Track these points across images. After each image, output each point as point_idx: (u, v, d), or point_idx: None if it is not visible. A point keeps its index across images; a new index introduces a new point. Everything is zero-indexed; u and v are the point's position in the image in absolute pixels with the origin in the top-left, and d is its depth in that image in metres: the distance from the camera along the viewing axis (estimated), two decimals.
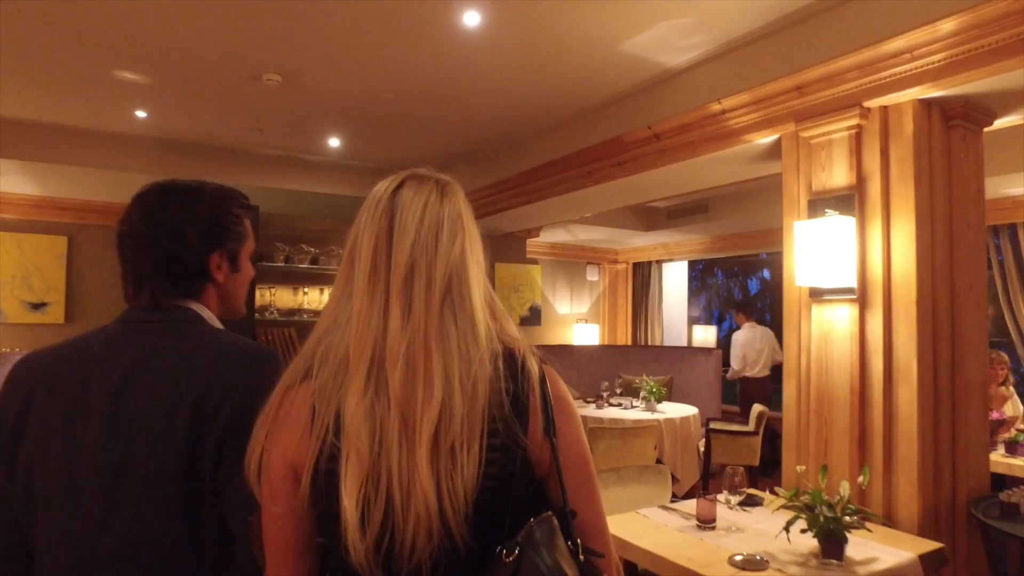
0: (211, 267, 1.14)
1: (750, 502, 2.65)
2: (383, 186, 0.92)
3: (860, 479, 2.19)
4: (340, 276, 0.90)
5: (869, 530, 2.16)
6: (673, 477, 5.41)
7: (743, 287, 13.58)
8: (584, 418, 5.38)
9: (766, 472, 5.77)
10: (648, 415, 5.44)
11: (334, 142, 5.32)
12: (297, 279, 5.92)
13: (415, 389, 0.82)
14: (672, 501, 3.25)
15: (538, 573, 0.78)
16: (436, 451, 0.80)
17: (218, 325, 1.16)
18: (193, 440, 0.98)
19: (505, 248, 7.30)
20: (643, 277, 9.76)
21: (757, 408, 5.65)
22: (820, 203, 2.85)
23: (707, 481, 5.52)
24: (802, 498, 2.11)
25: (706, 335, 9.26)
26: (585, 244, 9.52)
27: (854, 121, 2.73)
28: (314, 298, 6.01)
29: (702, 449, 5.56)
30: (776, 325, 11.25)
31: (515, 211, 5.55)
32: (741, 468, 2.45)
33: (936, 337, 2.63)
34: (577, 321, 9.57)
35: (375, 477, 0.80)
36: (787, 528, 2.06)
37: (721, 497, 2.59)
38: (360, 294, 0.86)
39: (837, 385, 2.77)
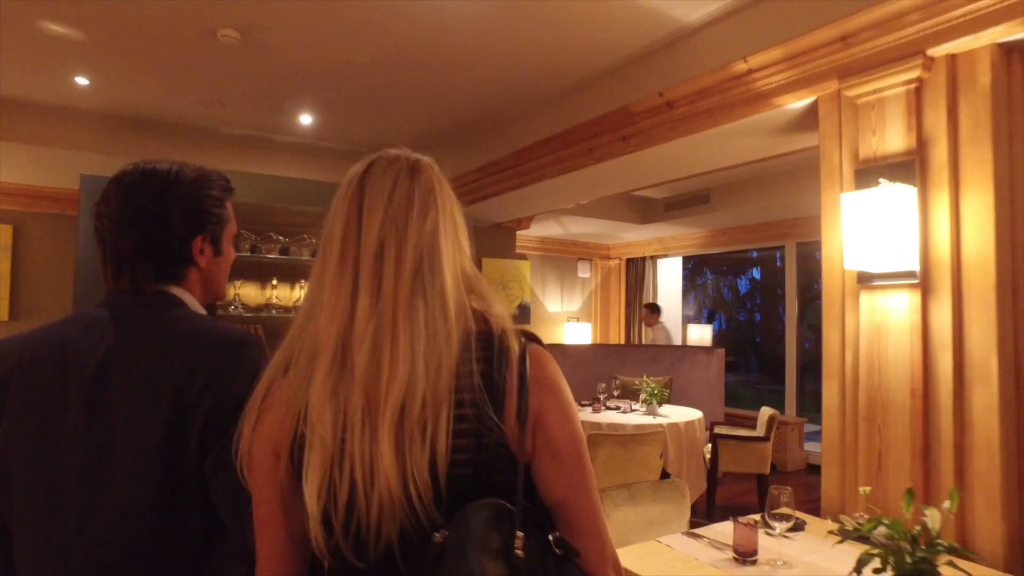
0: (194, 251, 1.13)
1: (782, 519, 2.19)
2: (354, 169, 0.91)
3: (946, 505, 1.75)
4: (315, 265, 0.88)
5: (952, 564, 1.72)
6: None
7: (732, 287, 13.31)
8: (581, 423, 4.94)
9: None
10: (650, 419, 5.00)
11: (306, 119, 4.83)
12: (265, 272, 5.41)
13: (380, 370, 0.80)
14: (692, 524, 2.81)
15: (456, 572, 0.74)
16: (399, 433, 0.79)
17: (200, 310, 1.15)
18: (175, 431, 0.97)
19: (493, 241, 6.83)
20: (637, 274, 9.33)
21: (767, 411, 5.22)
22: (871, 172, 2.41)
23: (714, 491, 5.08)
24: (877, 530, 1.66)
25: (701, 334, 8.84)
26: (577, 239, 9.08)
27: (914, 74, 2.30)
28: (284, 293, 5.50)
29: (708, 456, 5.13)
30: (765, 327, 10.95)
31: (506, 197, 5.09)
32: (789, 489, 2.01)
33: (1019, 329, 2.20)
34: (568, 320, 9.12)
35: (339, 461, 0.79)
36: (859, 570, 1.61)
37: (754, 519, 2.15)
38: (330, 279, 0.85)
39: (893, 386, 2.33)
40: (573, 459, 0.85)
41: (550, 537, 0.81)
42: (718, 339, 8.69)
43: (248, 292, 5.32)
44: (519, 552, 0.76)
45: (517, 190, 4.82)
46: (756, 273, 12.74)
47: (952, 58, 2.26)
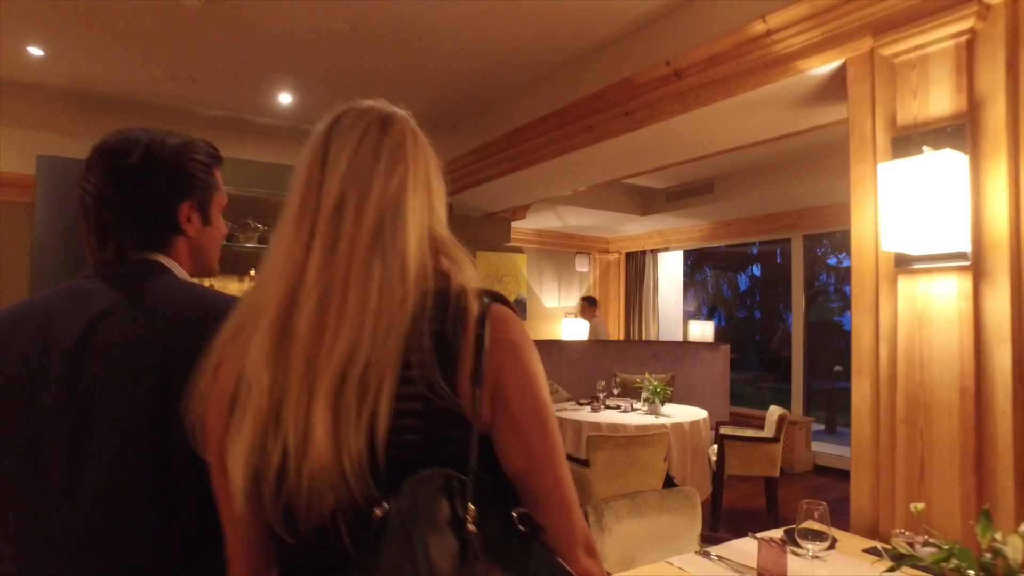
0: (180, 218, 1.10)
1: (813, 537, 1.88)
2: (323, 119, 0.86)
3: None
4: (277, 221, 0.83)
5: None
6: None
7: (732, 283, 13.09)
8: (578, 423, 4.64)
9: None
10: (652, 419, 4.71)
11: (285, 99, 4.52)
12: (244, 262, 5.11)
13: (323, 331, 0.75)
14: (703, 537, 2.52)
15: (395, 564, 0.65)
16: (338, 400, 0.73)
17: (188, 280, 1.11)
18: (160, 399, 0.93)
19: (486, 231, 6.52)
20: (637, 268, 9.03)
21: (776, 411, 4.93)
22: (912, 140, 2.11)
23: (719, 496, 4.78)
24: (929, 554, 1.36)
25: (703, 330, 8.54)
26: (575, 232, 8.77)
27: (966, 24, 1.99)
28: None
29: (714, 458, 4.83)
30: (765, 324, 10.68)
31: (500, 183, 4.78)
32: (824, 504, 1.71)
33: None
34: (566, 315, 8.82)
35: (273, 426, 0.74)
36: None
37: (775, 535, 1.86)
38: (288, 231, 0.80)
39: (938, 384, 2.03)
40: (535, 426, 0.79)
41: (513, 513, 0.75)
42: (718, 336, 8.38)
43: (225, 284, 5.02)
44: (471, 527, 0.69)
45: (511, 174, 4.51)
46: (756, 270, 12.52)
47: (1013, 4, 1.95)
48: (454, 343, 0.76)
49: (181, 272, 1.10)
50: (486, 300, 0.80)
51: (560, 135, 3.84)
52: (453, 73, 3.99)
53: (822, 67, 2.52)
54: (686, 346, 6.69)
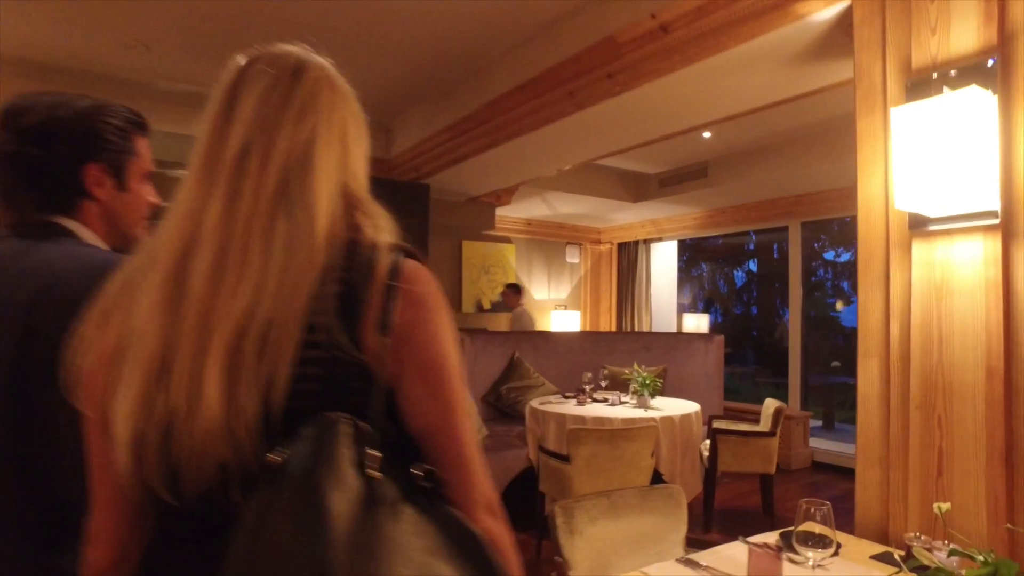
0: (86, 181, 1.07)
1: (814, 542, 1.59)
2: (233, 63, 0.83)
3: None
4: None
5: None
6: None
7: (729, 279, 12.87)
8: (562, 417, 4.36)
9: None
10: (641, 412, 4.42)
11: None
12: None
13: (220, 285, 0.72)
14: (690, 541, 2.24)
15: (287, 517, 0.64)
16: (233, 359, 0.70)
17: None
18: (23, 358, 0.91)
19: (469, 216, 6.22)
20: (629, 259, 8.75)
21: (772, 404, 4.65)
22: (931, 81, 1.82)
23: (711, 493, 4.50)
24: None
25: (698, 323, 8.25)
26: (565, 221, 8.48)
27: None
28: None
29: (706, 454, 4.55)
30: (762, 320, 10.43)
31: (479, 161, 4.49)
32: (828, 504, 1.43)
33: None
34: (556, 307, 8.53)
35: (162, 382, 0.71)
36: None
37: (769, 540, 1.58)
38: (190, 182, 0.77)
39: (960, 364, 1.75)
40: (440, 380, 0.78)
41: (415, 470, 0.74)
42: (714, 331, 8.10)
43: None
44: (374, 473, 0.68)
45: (490, 151, 4.22)
46: (753, 265, 12.29)
47: None
48: (360, 295, 0.74)
49: (92, 237, 1.08)
50: (399, 255, 0.78)
51: (539, 104, 3.55)
52: (425, 41, 3.69)
53: (825, 10, 2.24)
54: (678, 337, 6.41)
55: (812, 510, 1.43)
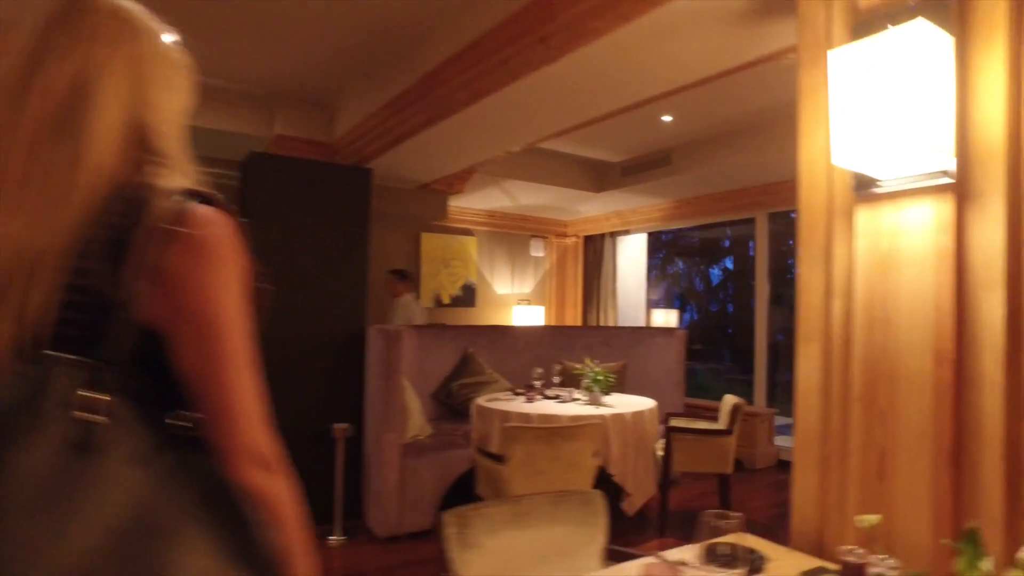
0: None
1: (723, 560, 1.32)
2: None
3: None
4: None
5: None
6: (623, 492, 4.14)
7: (704, 276, 12.71)
8: (506, 414, 4.08)
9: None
10: (591, 410, 4.16)
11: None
12: None
13: None
14: (613, 545, 1.98)
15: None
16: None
17: None
18: None
19: (421, 206, 5.92)
20: (596, 252, 8.50)
21: (730, 400, 4.41)
22: (878, 19, 1.56)
23: (666, 494, 4.25)
24: None
25: (667, 319, 8.03)
26: (529, 213, 8.22)
27: None
28: None
29: (661, 453, 4.30)
30: (737, 318, 10.24)
31: (420, 141, 4.20)
32: (739, 516, 1.17)
33: None
34: (519, 302, 8.26)
35: None
36: None
37: (685, 555, 1.32)
38: None
39: (906, 348, 1.50)
40: (210, 329, 0.76)
41: (172, 419, 0.74)
42: (689, 329, 7.87)
43: None
44: (94, 418, 0.66)
45: (430, 128, 3.93)
46: (729, 263, 12.14)
47: None
48: (128, 238, 0.72)
49: None
50: (187, 199, 0.76)
51: (474, 74, 3.27)
52: (362, 12, 3.39)
53: None
54: (640, 332, 6.17)
55: (715, 522, 1.16)
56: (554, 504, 1.93)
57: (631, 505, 4.12)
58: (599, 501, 2.02)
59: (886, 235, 1.56)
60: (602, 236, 8.35)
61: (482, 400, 4.56)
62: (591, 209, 7.79)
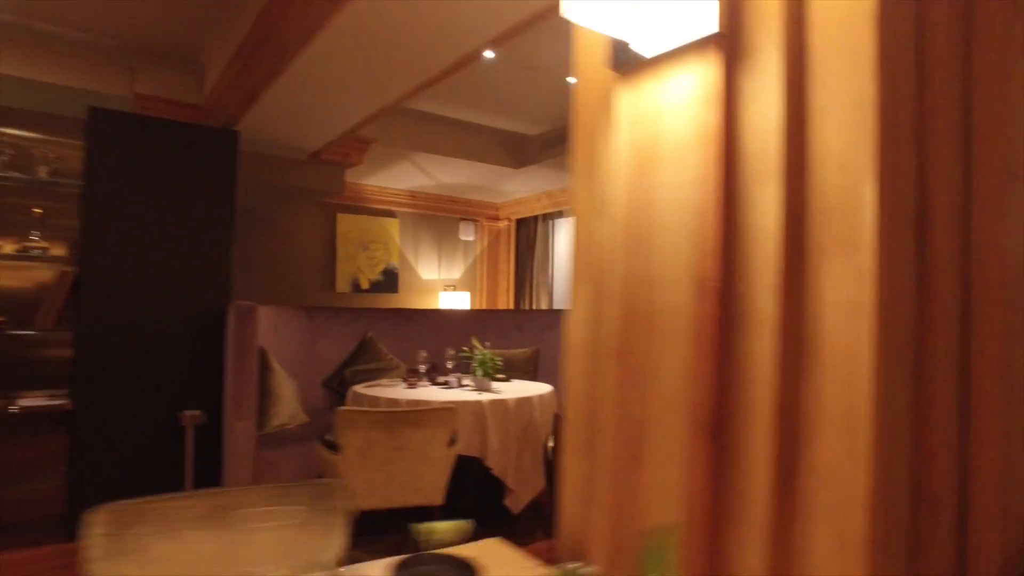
0: None
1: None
2: None
3: None
4: None
5: None
6: (506, 487, 3.70)
7: None
8: (375, 400, 3.64)
9: None
10: (475, 396, 3.71)
11: None
12: None
13: None
14: (359, 551, 1.53)
15: None
16: None
17: None
18: None
19: (315, 179, 5.40)
20: (528, 236, 8.05)
21: None
22: None
23: (553, 490, 3.80)
24: None
25: None
26: (455, 194, 7.74)
27: None
28: None
29: (551, 444, 3.85)
30: None
31: (275, 96, 3.71)
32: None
33: (925, 127, 0.93)
34: (445, 288, 7.79)
35: None
36: None
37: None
38: None
39: (670, 277, 1.05)
40: None
41: None
42: None
43: None
44: None
45: (277, 79, 3.44)
46: None
47: None
48: None
49: None
50: None
51: (300, 7, 2.79)
52: None
53: None
54: (553, 315, 5.73)
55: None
56: (275, 498, 1.46)
57: (515, 502, 3.67)
58: (338, 496, 1.55)
59: (650, 121, 1.11)
60: (535, 219, 7.91)
61: (360, 387, 4.09)
62: (519, 189, 7.34)
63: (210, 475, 3.82)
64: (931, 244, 0.92)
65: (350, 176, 5.93)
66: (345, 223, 7.10)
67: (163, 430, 3.74)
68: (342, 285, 7.05)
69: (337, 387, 5.06)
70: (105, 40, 4.20)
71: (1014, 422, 0.94)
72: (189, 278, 3.98)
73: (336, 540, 1.49)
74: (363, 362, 5.13)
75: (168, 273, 3.90)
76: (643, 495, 1.03)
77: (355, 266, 7.21)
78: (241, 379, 3.69)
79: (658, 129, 1.08)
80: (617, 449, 1.09)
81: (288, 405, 4.09)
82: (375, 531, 2.62)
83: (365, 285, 7.24)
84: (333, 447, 2.90)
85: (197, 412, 3.75)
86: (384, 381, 4.39)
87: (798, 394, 0.90)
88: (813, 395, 0.88)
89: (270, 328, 4.25)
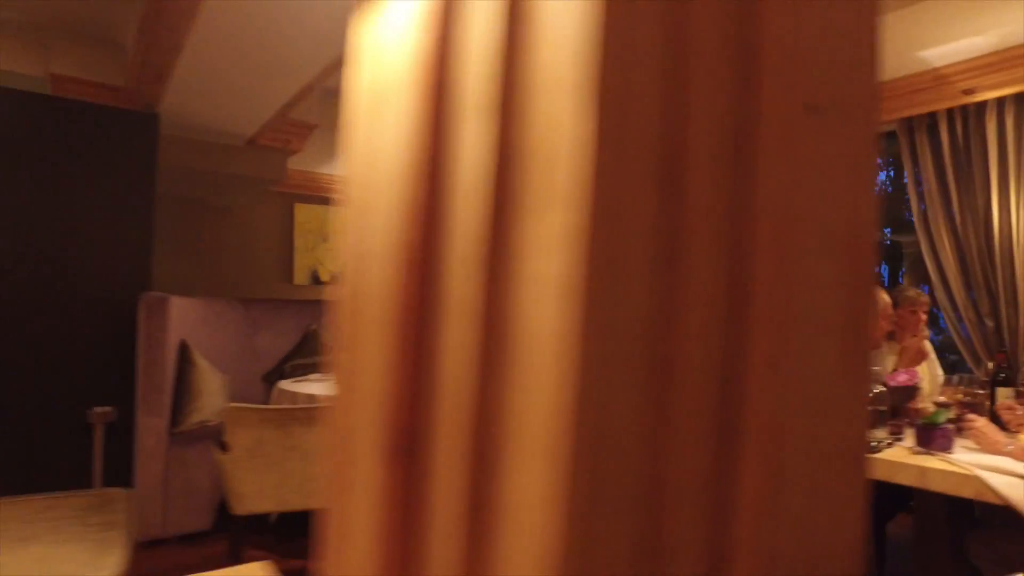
0: None
1: None
2: None
3: None
4: None
5: None
6: None
7: None
8: (294, 396, 3.44)
9: None
10: None
11: None
12: None
13: None
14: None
15: None
16: None
17: None
18: None
19: (256, 167, 5.14)
20: None
21: None
22: None
23: None
24: None
25: None
26: None
27: None
28: None
29: None
30: None
31: (184, 74, 3.47)
32: None
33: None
34: None
35: None
36: None
37: None
38: None
39: (377, 246, 0.82)
40: None
41: None
42: None
43: None
44: None
45: (179, 54, 3.20)
46: None
47: None
48: None
49: None
50: None
51: None
52: None
53: None
54: None
55: None
56: (41, 511, 1.24)
57: None
58: (119, 508, 1.34)
59: (383, 56, 0.87)
60: None
61: (286, 382, 3.88)
62: None
63: (121, 474, 3.61)
64: (684, 197, 0.68)
65: (300, 164, 5.69)
66: (304, 213, 6.85)
67: (71, 427, 3.53)
68: (300, 277, 6.81)
69: (277, 381, 4.85)
70: (14, 15, 3.97)
71: (790, 445, 0.70)
72: (104, 268, 3.76)
73: (112, 558, 1.28)
74: (305, 356, 4.91)
75: (81, 263, 3.69)
76: (346, 530, 0.80)
77: (314, 258, 6.97)
78: (152, 373, 3.49)
79: (384, 63, 0.85)
80: (333, 468, 0.86)
81: (212, 400, 3.87)
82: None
83: (325, 277, 7.01)
84: (222, 446, 2.68)
85: (108, 409, 3.54)
86: (315, 376, 4.18)
87: (500, 402, 0.66)
88: (510, 404, 0.65)
89: (196, 321, 4.03)
